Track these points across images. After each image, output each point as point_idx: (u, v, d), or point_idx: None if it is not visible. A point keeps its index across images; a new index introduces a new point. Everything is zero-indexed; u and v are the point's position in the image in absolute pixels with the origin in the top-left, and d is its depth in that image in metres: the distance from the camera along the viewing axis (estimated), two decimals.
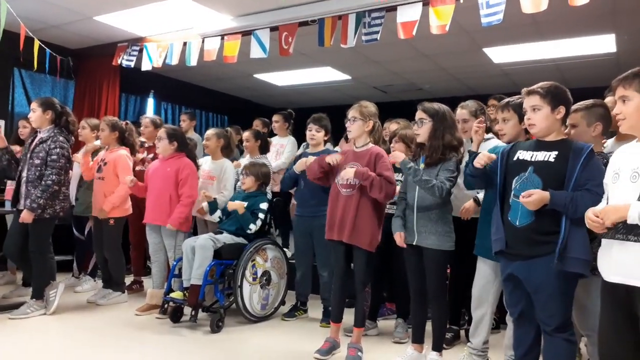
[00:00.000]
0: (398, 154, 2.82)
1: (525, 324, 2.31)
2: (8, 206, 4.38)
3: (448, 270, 3.07)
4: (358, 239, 2.94)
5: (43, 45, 4.77)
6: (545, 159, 2.22)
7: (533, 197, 2.11)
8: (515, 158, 2.33)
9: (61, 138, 3.70)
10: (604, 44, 5.50)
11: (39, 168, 3.60)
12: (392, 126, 4.06)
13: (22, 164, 3.75)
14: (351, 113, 3.08)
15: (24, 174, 3.67)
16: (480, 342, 2.80)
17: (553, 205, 2.11)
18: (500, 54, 6.02)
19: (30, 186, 3.61)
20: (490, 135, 3.26)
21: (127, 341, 3.22)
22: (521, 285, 2.25)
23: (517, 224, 2.24)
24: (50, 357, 2.90)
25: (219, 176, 4.28)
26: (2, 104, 5.80)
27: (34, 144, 3.71)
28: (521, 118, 2.54)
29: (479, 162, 2.41)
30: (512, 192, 2.29)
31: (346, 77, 7.27)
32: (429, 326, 2.87)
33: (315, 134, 3.74)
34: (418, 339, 2.89)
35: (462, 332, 3.38)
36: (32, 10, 4.96)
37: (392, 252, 3.30)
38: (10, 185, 4.48)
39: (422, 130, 2.81)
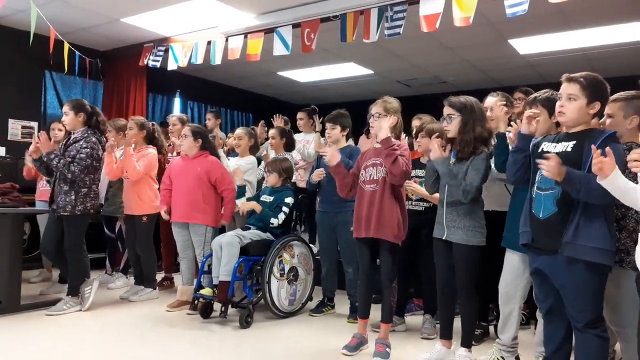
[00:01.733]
0: (436, 151, 2.79)
1: (555, 319, 2.29)
2: (39, 206, 4.53)
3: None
4: (383, 232, 2.95)
5: (72, 48, 4.90)
6: (564, 149, 2.19)
7: (551, 169, 2.05)
8: (539, 150, 2.31)
9: (94, 139, 3.80)
10: (633, 32, 5.35)
11: (67, 163, 3.70)
12: (415, 122, 4.03)
13: None
14: (375, 109, 3.08)
15: (58, 174, 3.78)
16: (509, 338, 2.78)
17: (568, 178, 2.04)
18: (526, 45, 5.91)
19: (62, 184, 3.72)
20: None
21: (159, 337, 3.31)
22: (548, 280, 2.23)
23: (541, 216, 2.22)
24: (86, 352, 2.99)
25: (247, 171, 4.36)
26: (34, 106, 5.97)
27: (67, 143, 3.82)
28: (551, 112, 2.50)
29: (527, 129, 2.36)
30: (536, 185, 2.27)
31: (369, 71, 7.24)
32: (457, 322, 2.86)
33: (330, 131, 3.76)
34: (446, 335, 2.89)
35: (491, 328, 3.36)
36: (61, 14, 5.08)
37: (419, 247, 3.30)
38: (42, 187, 4.64)
39: (452, 125, 2.79)
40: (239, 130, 4.54)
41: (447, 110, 2.81)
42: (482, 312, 3.32)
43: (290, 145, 4.67)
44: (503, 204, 2.92)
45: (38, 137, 3.69)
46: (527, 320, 3.42)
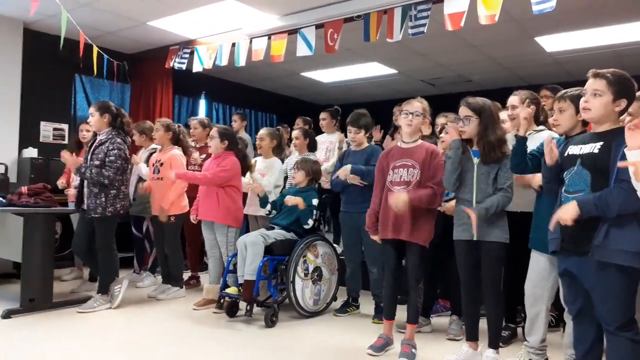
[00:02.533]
0: (454, 133, 2.80)
1: (585, 321, 2.24)
2: (71, 206, 4.64)
3: None
4: (416, 236, 2.94)
5: (101, 52, 5.00)
6: (591, 151, 2.14)
7: (563, 215, 2.07)
8: (566, 153, 2.28)
9: (119, 140, 3.88)
10: None
11: (99, 169, 3.79)
12: (441, 120, 4.00)
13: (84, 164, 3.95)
14: (414, 107, 3.05)
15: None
16: (537, 340, 2.73)
17: (586, 214, 2.04)
18: (553, 42, 5.80)
19: (92, 186, 3.81)
20: (542, 127, 3.17)
21: (186, 335, 3.36)
22: (578, 281, 2.19)
23: None
24: (115, 348, 3.05)
25: (268, 173, 4.37)
26: (65, 108, 6.12)
27: (94, 146, 3.91)
28: (578, 110, 2.46)
29: (550, 160, 2.34)
30: (564, 188, 2.23)
31: (392, 71, 7.21)
32: (484, 323, 2.83)
33: (354, 136, 3.77)
34: (473, 337, 2.86)
35: (520, 330, 3.30)
36: (89, 18, 5.20)
37: (446, 248, 3.27)
38: (73, 189, 4.75)
39: (468, 127, 2.78)
40: (262, 131, 4.57)
41: (464, 111, 2.80)
42: (510, 314, 3.28)
43: (313, 146, 4.69)
44: (529, 204, 2.88)
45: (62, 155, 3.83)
46: (556, 322, 3.36)
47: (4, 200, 3.84)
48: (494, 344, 2.76)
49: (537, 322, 2.73)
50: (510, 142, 2.78)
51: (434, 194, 2.94)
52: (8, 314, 3.55)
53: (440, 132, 3.55)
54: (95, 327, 3.48)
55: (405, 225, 2.94)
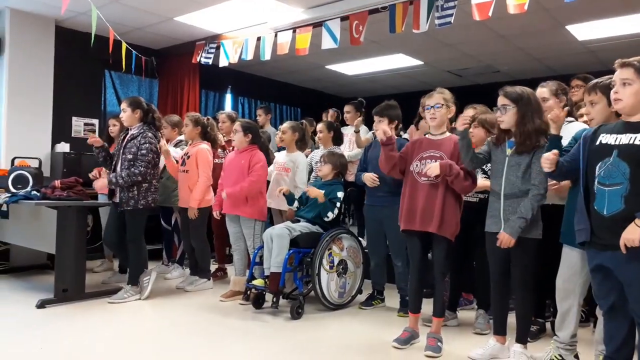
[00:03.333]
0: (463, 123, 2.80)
1: (617, 317, 2.19)
2: (101, 199, 4.76)
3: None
4: (444, 229, 2.91)
5: (130, 47, 5.09)
6: (631, 142, 2.07)
7: (630, 236, 1.99)
8: (597, 142, 2.20)
9: (150, 134, 3.95)
10: None
11: (131, 162, 3.87)
12: (469, 112, 3.94)
13: (115, 159, 4.05)
14: (434, 100, 3.02)
15: (118, 169, 3.96)
16: (568, 335, 2.68)
17: None
18: (586, 31, 5.63)
19: None
20: (570, 118, 3.09)
21: (213, 326, 3.41)
22: (611, 276, 2.13)
23: (605, 213, 2.11)
24: (144, 338, 3.13)
25: (293, 168, 4.38)
26: (95, 104, 6.26)
27: (125, 140, 3.99)
28: (610, 101, 2.38)
29: (547, 167, 2.35)
30: (596, 180, 2.16)
31: (418, 62, 7.13)
32: (512, 318, 2.79)
33: (377, 124, 3.73)
34: (500, 331, 2.82)
35: (548, 325, 3.25)
36: (118, 15, 5.29)
37: (473, 241, 3.24)
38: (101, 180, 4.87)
39: (506, 116, 2.71)
40: (284, 125, 4.58)
41: (501, 100, 2.74)
42: (539, 308, 3.22)
43: (338, 139, 4.67)
44: (562, 197, 2.81)
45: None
46: (587, 317, 3.29)
47: (38, 194, 3.97)
48: (522, 339, 2.72)
49: (568, 317, 2.67)
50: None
51: (466, 176, 2.88)
52: (42, 304, 3.67)
53: (470, 125, 3.49)
54: (126, 317, 3.57)
55: (434, 218, 2.91)
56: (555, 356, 2.70)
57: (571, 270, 2.63)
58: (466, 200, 3.33)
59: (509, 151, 2.74)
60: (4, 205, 4.02)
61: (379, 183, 3.67)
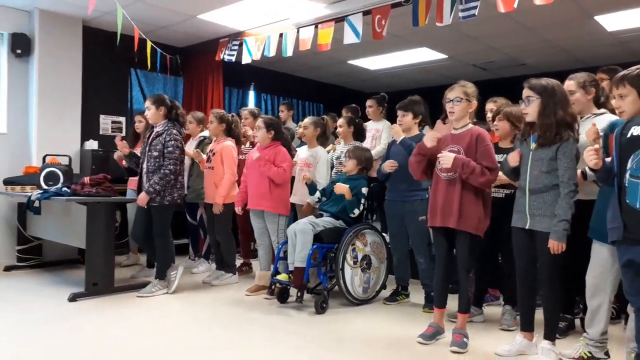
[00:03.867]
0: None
1: None
2: (129, 195, 4.86)
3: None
4: (465, 224, 2.88)
5: (154, 46, 5.16)
6: None
7: None
8: (629, 135, 2.15)
9: (174, 131, 4.01)
10: None
11: (157, 160, 3.94)
12: (490, 105, 3.89)
13: (142, 157, 4.12)
14: (454, 94, 2.97)
15: (144, 166, 4.03)
16: (598, 332, 2.63)
17: None
18: (615, 21, 5.48)
19: (151, 176, 3.96)
20: (602, 110, 3.02)
21: (238, 320, 3.45)
22: None
23: (638, 206, 2.06)
24: (171, 331, 3.19)
25: (314, 163, 4.40)
26: (122, 102, 6.37)
27: (151, 138, 4.06)
28: None
29: (592, 160, 2.27)
30: (628, 172, 2.11)
31: (442, 56, 7.04)
32: (539, 314, 2.75)
33: (401, 119, 3.72)
34: (528, 327, 2.79)
35: (577, 322, 3.20)
36: (143, 14, 5.37)
37: (499, 237, 3.20)
38: (133, 177, 4.97)
39: (530, 108, 2.67)
40: (305, 120, 4.59)
41: (526, 92, 2.70)
42: (568, 304, 3.17)
43: (359, 134, 4.66)
44: (590, 192, 2.75)
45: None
46: (618, 314, 3.22)
47: (68, 190, 4.07)
48: (550, 336, 2.68)
49: (598, 314, 2.62)
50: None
51: (483, 172, 2.82)
52: (74, 297, 3.77)
53: (494, 118, 3.45)
54: (154, 311, 3.64)
55: (453, 213, 2.89)
56: (584, 353, 2.66)
57: (601, 266, 2.57)
58: (492, 195, 3.29)
59: (533, 145, 2.70)
60: (36, 201, 4.13)
61: (396, 166, 3.66)
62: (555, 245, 2.54)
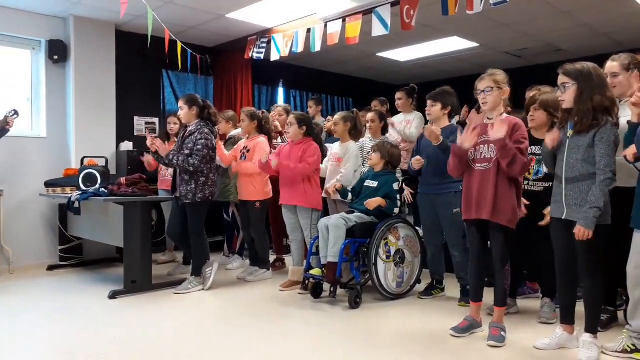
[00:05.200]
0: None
1: None
2: (161, 194, 4.96)
3: None
4: (498, 216, 2.81)
5: (185, 47, 5.23)
6: None
7: None
8: None
9: (206, 130, 4.07)
10: None
11: (185, 157, 3.99)
12: (532, 93, 3.77)
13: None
14: (484, 84, 2.90)
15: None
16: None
17: None
18: None
19: (183, 174, 4.03)
20: None
21: (273, 315, 3.48)
22: None
23: None
24: (208, 327, 3.24)
25: (345, 157, 4.37)
26: (155, 103, 6.49)
27: (184, 136, 4.12)
28: None
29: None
30: None
31: (474, 44, 6.88)
32: (579, 307, 2.67)
33: (429, 109, 3.67)
34: (568, 320, 2.71)
35: (620, 314, 3.08)
36: (172, 15, 5.45)
37: (537, 228, 3.11)
38: (163, 177, 5.08)
39: (566, 95, 2.58)
40: (335, 116, 4.57)
41: (561, 79, 2.60)
42: (610, 296, 3.06)
43: (386, 129, 4.64)
44: (632, 178, 2.64)
45: (152, 142, 4.03)
46: None
47: (106, 191, 4.18)
48: (592, 329, 2.59)
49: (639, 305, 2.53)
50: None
51: (521, 156, 2.74)
52: (114, 295, 3.88)
53: (529, 107, 3.33)
54: (190, 307, 3.71)
55: (487, 204, 2.82)
56: (628, 346, 2.57)
57: None
58: (531, 189, 3.21)
59: (570, 132, 2.61)
60: (76, 202, 4.27)
61: (424, 163, 3.61)
62: (582, 232, 2.46)
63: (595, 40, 6.55)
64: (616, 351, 2.60)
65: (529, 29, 6.23)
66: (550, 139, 2.68)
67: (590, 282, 2.58)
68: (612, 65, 2.90)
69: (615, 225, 2.56)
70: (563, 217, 2.60)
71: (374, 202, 3.82)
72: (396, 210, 3.87)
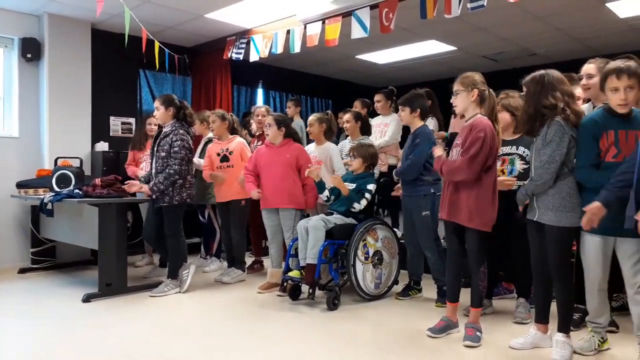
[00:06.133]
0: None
1: None
2: (139, 196, 4.87)
3: (573, 248, 2.87)
4: (473, 220, 2.86)
5: (162, 46, 5.17)
6: None
7: None
8: None
9: (182, 131, 4.02)
10: None
11: (165, 160, 3.95)
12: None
13: (151, 157, 4.14)
14: (454, 87, 2.99)
15: (153, 166, 4.04)
16: (607, 320, 2.65)
17: None
18: (627, 7, 5.37)
19: (159, 176, 3.97)
20: None
21: (251, 317, 3.46)
22: None
23: None
24: (184, 330, 3.20)
25: (326, 160, 4.37)
26: (131, 103, 6.40)
27: (159, 138, 4.07)
28: None
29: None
30: None
31: (452, 48, 6.97)
32: (554, 307, 2.72)
33: (400, 113, 3.74)
34: (542, 319, 2.76)
35: None
36: (150, 15, 5.39)
37: (511, 229, 3.16)
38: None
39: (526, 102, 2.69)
40: (310, 117, 4.59)
41: (524, 88, 2.71)
42: (582, 295, 3.11)
43: (366, 129, 4.65)
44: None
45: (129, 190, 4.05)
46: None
47: (80, 192, 4.10)
48: (564, 328, 2.64)
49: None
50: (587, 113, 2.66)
51: (457, 167, 2.84)
52: (87, 298, 3.80)
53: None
54: (167, 310, 3.66)
55: (461, 209, 2.88)
56: (599, 340, 2.66)
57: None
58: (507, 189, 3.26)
59: (535, 139, 2.69)
60: (49, 204, 4.17)
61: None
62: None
63: (569, 45, 6.70)
64: (593, 350, 2.66)
65: (505, 34, 6.34)
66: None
67: (561, 283, 2.62)
68: (588, 67, 2.99)
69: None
70: (535, 219, 2.65)
71: (338, 182, 3.86)
72: (356, 206, 3.86)
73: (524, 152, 3.26)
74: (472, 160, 2.79)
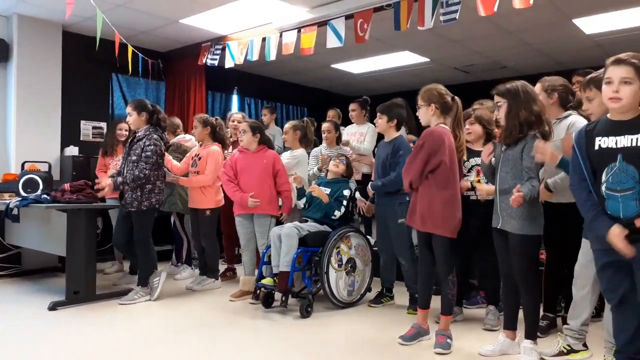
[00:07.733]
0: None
1: (627, 310, 2.14)
2: (110, 202, 4.78)
3: (542, 256, 2.94)
4: (438, 228, 2.92)
5: (136, 51, 5.12)
6: (633, 144, 1.99)
7: None
8: (596, 147, 2.10)
9: (155, 136, 3.97)
10: None
11: (136, 164, 3.89)
12: (469, 109, 3.93)
13: (122, 162, 4.08)
14: (417, 101, 3.09)
15: (125, 171, 3.98)
16: (580, 323, 2.70)
17: None
18: (593, 24, 5.58)
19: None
20: (568, 112, 3.05)
21: (223, 325, 3.43)
22: (621, 270, 2.08)
23: (622, 216, 2.04)
24: (154, 339, 3.15)
25: (294, 164, 4.41)
26: (103, 107, 6.30)
27: (132, 142, 4.01)
28: None
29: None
30: (604, 186, 2.07)
31: (424, 59, 7.11)
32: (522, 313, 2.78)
33: (376, 120, 3.79)
34: (510, 326, 2.81)
35: (559, 321, 3.23)
36: (124, 19, 5.33)
37: (477, 237, 3.23)
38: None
39: (500, 112, 2.73)
40: (286, 125, 4.62)
41: (496, 99, 2.78)
42: (550, 303, 3.20)
43: (340, 139, 4.75)
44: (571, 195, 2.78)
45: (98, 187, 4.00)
46: (597, 312, 3.26)
47: (48, 198, 3.99)
48: (531, 335, 2.70)
49: (582, 304, 2.68)
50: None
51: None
52: (54, 306, 3.70)
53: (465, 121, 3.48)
54: (136, 318, 3.60)
55: (425, 217, 2.96)
56: (564, 347, 2.72)
57: (587, 258, 2.59)
58: (474, 198, 3.33)
59: (503, 147, 2.74)
60: (15, 209, 4.05)
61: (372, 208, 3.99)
62: (518, 198, 2.48)
63: (536, 59, 6.92)
64: (554, 355, 2.72)
65: (477, 47, 6.50)
66: (485, 153, 2.85)
67: (527, 289, 2.68)
68: (536, 86, 3.04)
69: (560, 237, 2.70)
70: (499, 227, 2.72)
71: (319, 191, 3.90)
72: (337, 213, 3.90)
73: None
74: (408, 167, 3.01)
